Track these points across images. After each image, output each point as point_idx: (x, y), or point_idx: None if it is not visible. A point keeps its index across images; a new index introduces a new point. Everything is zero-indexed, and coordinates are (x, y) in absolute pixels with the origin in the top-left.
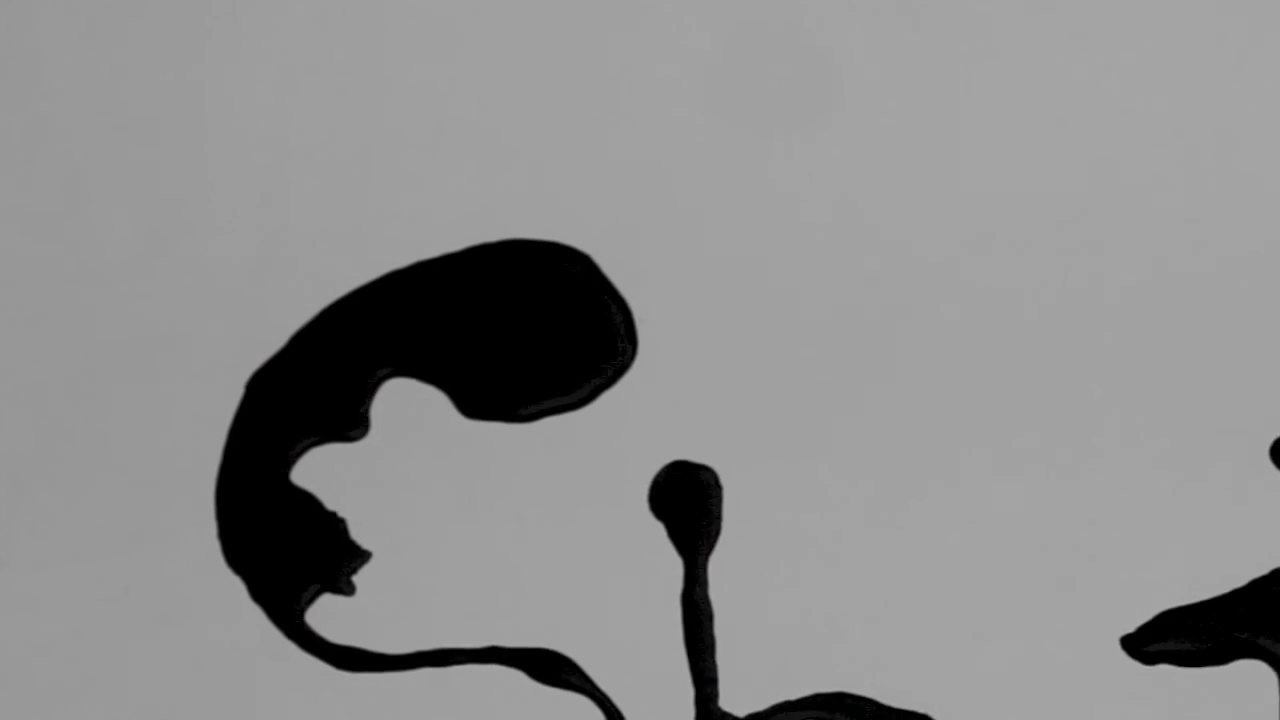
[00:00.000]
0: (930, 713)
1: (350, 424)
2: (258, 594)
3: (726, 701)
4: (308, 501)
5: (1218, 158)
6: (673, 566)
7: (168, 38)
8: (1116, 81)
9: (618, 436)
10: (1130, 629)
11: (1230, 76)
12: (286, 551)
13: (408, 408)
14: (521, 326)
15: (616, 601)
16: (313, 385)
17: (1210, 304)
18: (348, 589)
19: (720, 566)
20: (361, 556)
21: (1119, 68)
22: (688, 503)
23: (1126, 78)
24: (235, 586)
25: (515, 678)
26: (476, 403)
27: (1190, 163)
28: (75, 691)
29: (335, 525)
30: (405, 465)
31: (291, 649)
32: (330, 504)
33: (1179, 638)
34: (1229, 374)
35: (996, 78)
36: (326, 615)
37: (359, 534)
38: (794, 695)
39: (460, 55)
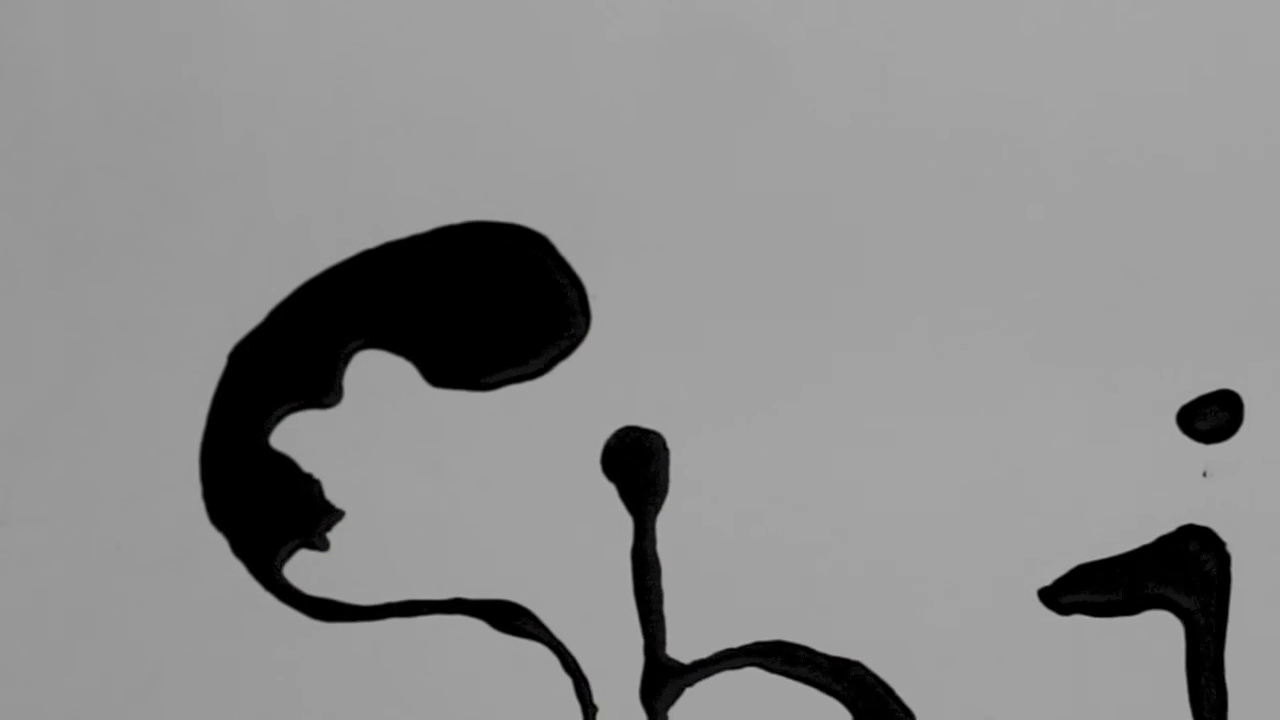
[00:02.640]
0: (861, 659)
1: (325, 392)
2: (239, 550)
3: (673, 649)
4: (285, 464)
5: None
6: (623, 524)
7: (151, 25)
8: (1076, 61)
9: (572, 403)
10: (1047, 582)
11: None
12: (265, 510)
13: (378, 377)
14: (484, 301)
15: (571, 556)
16: (290, 356)
17: (1134, 269)
18: (322, 545)
19: (667, 524)
20: (335, 515)
21: (1080, 41)
22: (636, 464)
23: (1083, 50)
24: (218, 542)
25: (477, 627)
26: (442, 372)
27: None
28: (70, 640)
29: (311, 486)
30: (376, 430)
31: (270, 600)
32: (306, 466)
33: (1092, 590)
34: (1148, 337)
35: (938, 53)
36: (302, 569)
37: (333, 494)
38: (735, 644)
39: (436, 49)
